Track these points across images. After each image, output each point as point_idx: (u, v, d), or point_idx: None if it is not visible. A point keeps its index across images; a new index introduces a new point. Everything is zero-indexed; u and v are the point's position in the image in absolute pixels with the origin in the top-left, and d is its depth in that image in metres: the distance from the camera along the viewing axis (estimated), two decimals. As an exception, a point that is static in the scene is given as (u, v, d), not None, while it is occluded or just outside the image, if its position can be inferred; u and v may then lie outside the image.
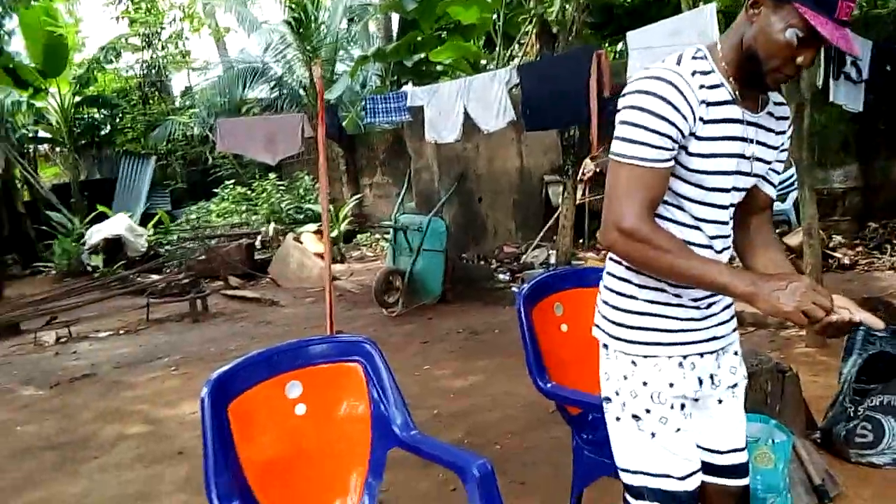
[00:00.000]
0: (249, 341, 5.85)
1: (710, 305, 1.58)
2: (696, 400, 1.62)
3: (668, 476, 1.58)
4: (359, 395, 2.06)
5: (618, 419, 1.62)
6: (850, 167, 6.71)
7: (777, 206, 6.59)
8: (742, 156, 1.49)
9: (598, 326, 1.67)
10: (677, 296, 1.55)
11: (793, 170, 6.64)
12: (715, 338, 1.60)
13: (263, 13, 20.41)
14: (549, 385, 2.34)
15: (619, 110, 1.47)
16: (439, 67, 9.94)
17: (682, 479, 1.58)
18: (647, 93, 1.41)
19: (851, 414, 2.86)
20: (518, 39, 9.54)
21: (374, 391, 2.05)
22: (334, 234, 9.89)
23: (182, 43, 16.65)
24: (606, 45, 8.20)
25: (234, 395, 1.85)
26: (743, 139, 1.48)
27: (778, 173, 1.64)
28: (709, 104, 1.43)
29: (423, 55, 9.58)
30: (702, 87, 1.43)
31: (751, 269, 1.62)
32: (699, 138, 1.44)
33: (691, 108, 1.41)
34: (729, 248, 1.60)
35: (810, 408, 3.12)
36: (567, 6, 6.59)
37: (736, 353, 1.69)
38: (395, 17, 11.72)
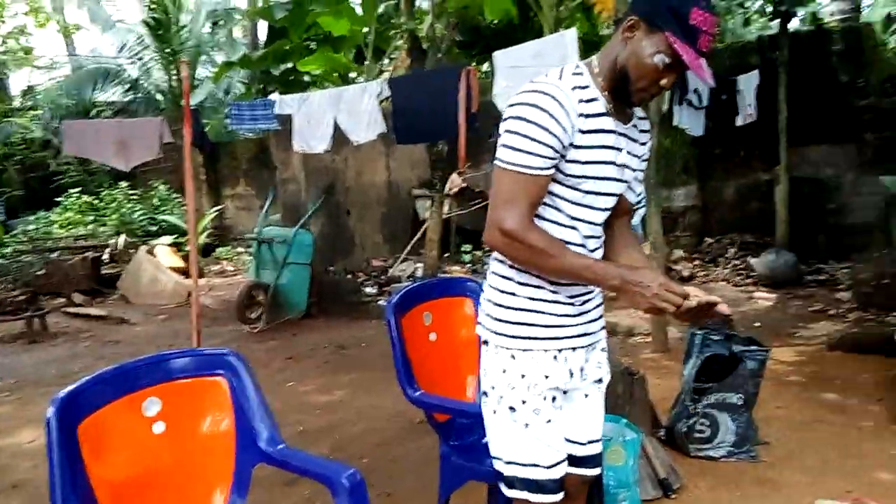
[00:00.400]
0: (95, 362, 5.44)
1: (584, 303, 1.71)
2: (566, 392, 1.75)
3: (536, 465, 1.69)
4: (223, 409, 1.99)
5: (494, 412, 1.73)
6: (690, 187, 7.32)
7: (627, 221, 7.09)
8: (614, 163, 1.63)
9: (480, 324, 1.77)
10: (555, 293, 1.67)
11: (642, 187, 7.18)
12: (586, 333, 1.73)
13: (119, 12, 19.15)
14: (417, 393, 2.37)
15: (504, 119, 1.57)
16: (307, 77, 9.82)
17: (550, 468, 1.70)
18: (532, 105, 1.52)
19: (691, 412, 3.12)
20: (389, 54, 9.64)
21: (238, 405, 1.99)
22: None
23: (25, 39, 15.34)
24: (474, 63, 8.46)
25: (85, 413, 1.73)
26: (615, 148, 1.62)
27: (640, 182, 1.80)
28: (586, 116, 1.56)
29: (291, 64, 9.43)
30: (580, 101, 1.56)
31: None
32: (577, 147, 1.57)
33: (571, 120, 1.53)
34: (601, 248, 1.74)
35: (655, 408, 3.37)
36: (437, 24, 6.75)
37: (603, 350, 1.84)
38: (263, 24, 11.46)
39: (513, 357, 1.69)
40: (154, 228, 9.63)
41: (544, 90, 1.53)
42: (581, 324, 1.72)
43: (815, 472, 2.95)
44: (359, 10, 8.24)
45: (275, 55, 9.08)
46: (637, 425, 2.85)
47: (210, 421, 1.97)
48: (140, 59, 12.33)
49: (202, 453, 1.93)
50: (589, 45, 7.98)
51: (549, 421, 1.69)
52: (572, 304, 1.69)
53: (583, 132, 1.56)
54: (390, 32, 8.75)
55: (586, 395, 1.81)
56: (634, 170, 1.72)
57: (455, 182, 7.56)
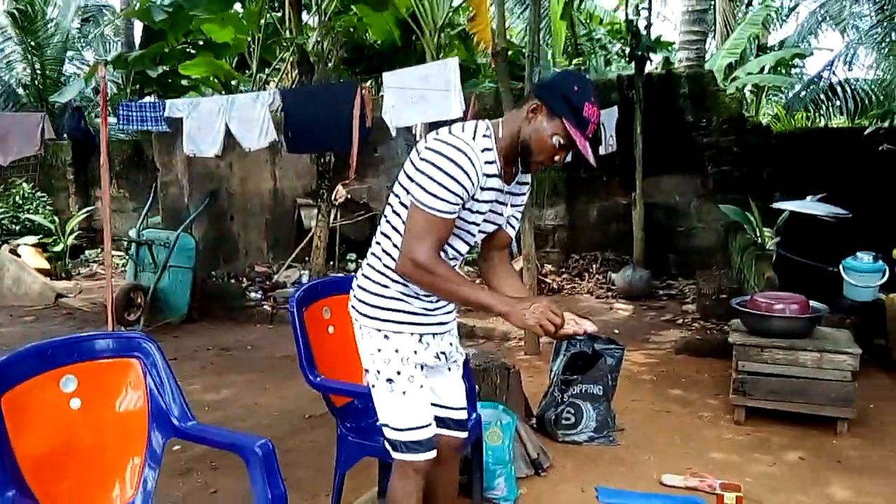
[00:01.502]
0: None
1: (438, 300, 2.05)
2: (433, 368, 2.10)
3: (415, 428, 2.00)
4: (136, 389, 2.11)
5: (374, 385, 2.05)
6: (559, 207, 7.91)
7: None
8: (494, 212, 1.99)
9: (354, 309, 2.07)
10: (417, 293, 2.01)
11: (518, 225, 7.67)
12: (442, 323, 2.10)
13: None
14: (318, 378, 2.57)
15: (421, 160, 1.84)
16: (186, 82, 9.64)
17: (425, 427, 2.02)
18: (450, 160, 1.80)
19: (559, 401, 3.49)
20: (275, 65, 9.67)
21: (151, 385, 2.12)
22: (59, 248, 9.02)
23: None
24: (359, 79, 8.70)
25: (7, 387, 1.81)
26: (499, 202, 1.99)
27: (518, 220, 2.14)
28: (487, 176, 1.89)
29: (168, 67, 9.26)
30: (485, 163, 1.88)
31: (497, 291, 2.08)
32: (474, 199, 1.90)
33: (477, 177, 1.85)
34: (459, 264, 2.11)
35: (528, 400, 3.74)
36: (324, 41, 6.95)
37: (455, 336, 2.22)
38: (138, 24, 11.10)
39: (386, 337, 2.02)
40: (16, 228, 9.06)
41: (462, 149, 1.81)
42: (438, 314, 2.07)
43: (662, 453, 3.40)
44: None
45: (152, 57, 8.89)
46: (512, 412, 3.19)
47: (124, 399, 2.09)
48: (1, 51, 11.57)
49: (117, 428, 2.04)
50: (467, 72, 8.45)
51: (422, 387, 2.03)
52: (430, 301, 2.04)
53: (482, 189, 1.90)
54: (275, 44, 8.81)
55: (448, 369, 2.18)
56: (510, 214, 2.08)
57: (340, 193, 7.76)
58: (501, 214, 2.04)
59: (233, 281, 6.86)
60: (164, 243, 6.31)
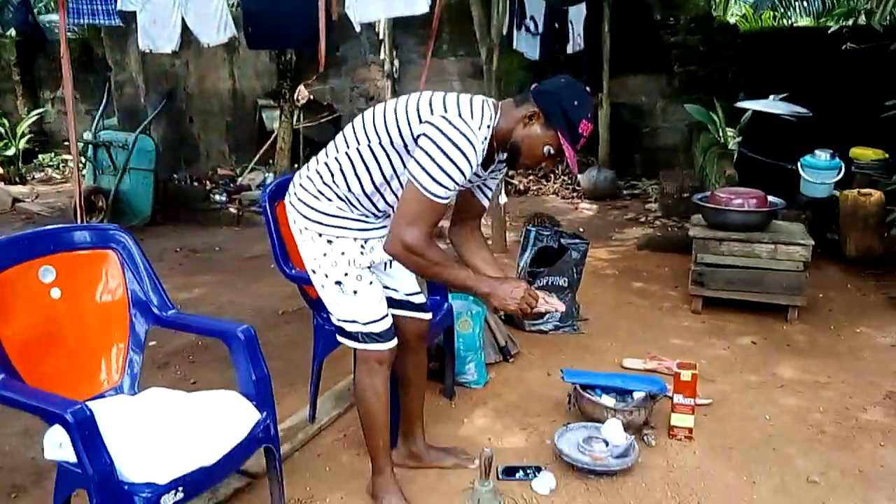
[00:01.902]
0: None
1: (379, 217, 2.10)
2: (381, 262, 2.14)
3: (373, 321, 2.07)
4: (115, 279, 2.13)
5: (323, 286, 2.08)
6: (526, 108, 7.85)
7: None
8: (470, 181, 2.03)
9: (296, 211, 2.07)
10: (363, 215, 2.06)
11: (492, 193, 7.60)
12: (384, 228, 2.11)
13: None
14: (293, 270, 2.61)
15: (426, 137, 1.83)
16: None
17: (382, 318, 2.09)
18: (458, 147, 1.80)
19: (527, 293, 3.61)
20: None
21: (130, 276, 2.15)
22: (11, 152, 8.71)
23: None
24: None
25: (-14, 275, 1.83)
26: (472, 182, 2.06)
27: (492, 189, 2.19)
28: (479, 162, 1.91)
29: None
30: (483, 149, 1.88)
31: (469, 265, 2.16)
32: None
33: (476, 163, 1.87)
34: None
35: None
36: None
37: None
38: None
39: (329, 241, 2.04)
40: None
41: (469, 137, 1.82)
42: (379, 226, 2.11)
43: (623, 340, 3.58)
44: None
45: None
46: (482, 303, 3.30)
47: (103, 289, 2.12)
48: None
49: (99, 317, 2.08)
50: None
51: (371, 283, 2.08)
52: (371, 218, 2.08)
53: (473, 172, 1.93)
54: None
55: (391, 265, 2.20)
56: (487, 185, 2.16)
57: (303, 93, 7.57)
58: (474, 189, 2.12)
59: (196, 184, 6.76)
60: (123, 145, 6.16)
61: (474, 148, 1.83)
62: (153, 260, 5.43)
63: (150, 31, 4.64)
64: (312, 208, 2.03)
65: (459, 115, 1.85)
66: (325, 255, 2.04)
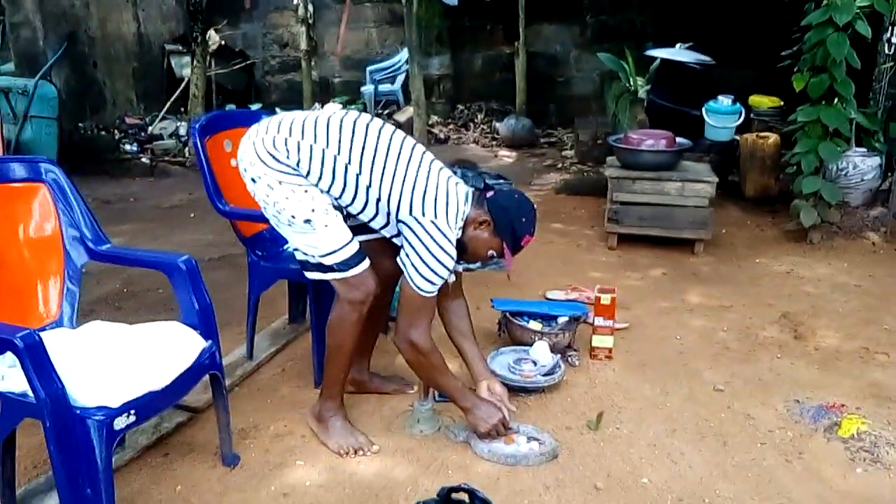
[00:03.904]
0: None
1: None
2: None
3: (343, 247, 2.12)
4: (48, 213, 2.10)
5: (290, 227, 2.11)
6: (444, 56, 7.88)
7: (388, 87, 7.48)
8: None
9: (253, 159, 2.07)
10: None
11: (399, 55, 7.56)
12: None
13: None
14: (227, 207, 2.62)
15: (417, 238, 2.03)
16: None
17: (349, 242, 2.14)
18: (444, 251, 2.04)
19: (454, 231, 3.73)
20: None
21: (63, 210, 2.11)
22: None
23: None
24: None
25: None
26: None
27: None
28: None
29: None
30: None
31: (453, 341, 2.44)
32: None
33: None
34: None
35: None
36: None
37: None
38: None
39: (294, 188, 2.06)
40: None
41: (451, 240, 2.07)
42: None
43: (545, 274, 3.76)
44: None
45: None
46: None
47: (36, 223, 2.08)
48: None
49: (33, 251, 2.06)
50: None
51: (337, 216, 2.13)
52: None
53: None
54: None
55: None
56: None
57: (214, 39, 7.31)
58: None
59: (103, 133, 6.46)
60: (22, 91, 5.80)
61: (454, 247, 2.08)
62: (64, 210, 5.21)
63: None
64: (279, 162, 2.05)
65: (447, 222, 2.06)
66: (287, 198, 2.05)
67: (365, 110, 7.76)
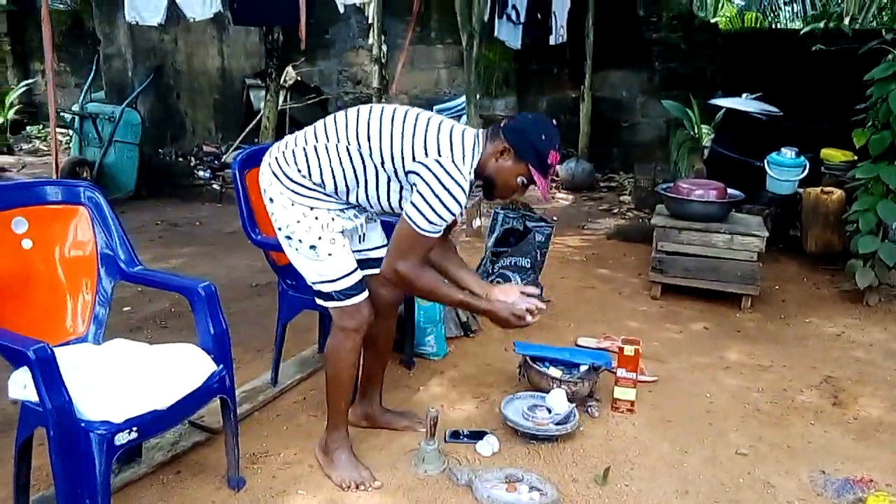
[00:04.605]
0: None
1: (350, 206, 2.23)
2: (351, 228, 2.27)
3: (344, 276, 2.18)
4: (85, 234, 2.24)
5: (297, 250, 2.18)
6: (510, 98, 7.96)
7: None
8: None
9: (275, 177, 2.16)
10: (333, 197, 2.17)
11: (462, 98, 7.70)
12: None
13: None
14: (259, 236, 2.73)
15: (421, 179, 1.99)
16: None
17: (354, 271, 2.20)
18: (450, 193, 1.98)
19: (489, 272, 3.75)
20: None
21: (99, 232, 2.26)
22: (-1, 122, 8.76)
23: None
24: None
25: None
26: None
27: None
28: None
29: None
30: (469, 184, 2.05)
31: (451, 277, 2.32)
32: None
33: (466, 201, 2.05)
34: None
35: (463, 273, 3.98)
36: None
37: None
38: None
39: (304, 214, 2.13)
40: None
41: (461, 183, 2.00)
42: (355, 206, 2.24)
43: (581, 321, 3.72)
44: None
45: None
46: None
47: (73, 243, 2.23)
48: None
49: (68, 269, 2.20)
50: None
51: (344, 246, 2.19)
52: (343, 205, 2.21)
53: None
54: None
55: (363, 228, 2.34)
56: None
57: (290, 74, 7.65)
58: None
59: (181, 159, 6.84)
60: (109, 117, 6.23)
61: (464, 190, 2.01)
62: (133, 231, 5.56)
63: (137, 2, 4.71)
64: (290, 179, 2.13)
65: (452, 161, 2.02)
66: (298, 221, 2.13)
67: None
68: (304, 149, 2.14)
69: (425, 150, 2.02)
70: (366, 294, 2.22)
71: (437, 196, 1.98)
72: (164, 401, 1.90)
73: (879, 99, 3.71)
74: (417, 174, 2.01)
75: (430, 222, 2.00)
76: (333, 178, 2.12)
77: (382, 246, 2.37)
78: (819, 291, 4.27)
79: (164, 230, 5.52)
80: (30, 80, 9.70)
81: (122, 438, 1.79)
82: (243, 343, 3.37)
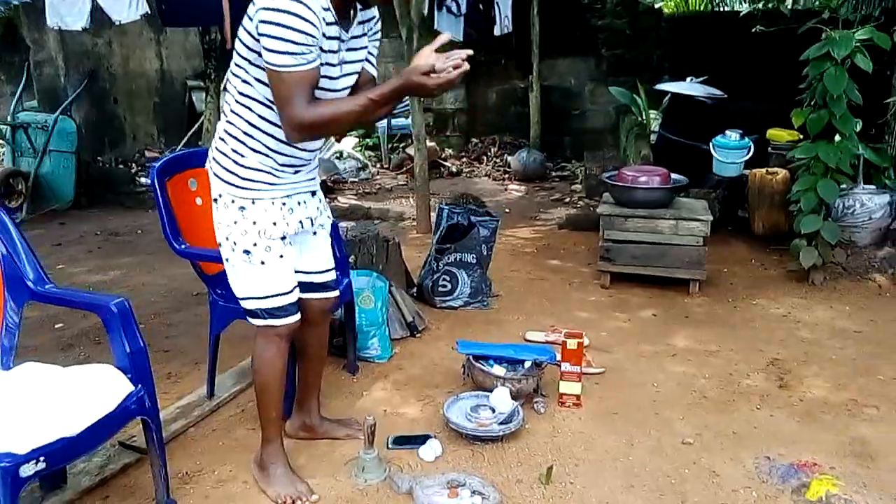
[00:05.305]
0: None
1: (298, 172, 2.08)
2: (296, 234, 2.13)
3: (275, 295, 2.07)
4: (-14, 253, 2.10)
5: (229, 258, 2.07)
6: (458, 91, 7.87)
7: (401, 121, 7.51)
8: (333, 64, 1.92)
9: (216, 176, 2.04)
10: (281, 165, 2.02)
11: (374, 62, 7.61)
12: (306, 191, 2.14)
13: None
14: (182, 246, 2.61)
15: (260, 23, 1.76)
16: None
17: (287, 294, 2.09)
18: (286, 12, 1.73)
19: (435, 269, 3.68)
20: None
21: (2, 250, 2.12)
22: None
23: None
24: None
25: None
26: (336, 51, 1.92)
27: (374, 55, 2.11)
28: (327, 24, 1.84)
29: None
30: (323, 9, 1.81)
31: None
32: (322, 51, 1.85)
33: (319, 20, 1.79)
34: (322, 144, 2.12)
35: (411, 272, 3.90)
36: None
37: (321, 200, 2.25)
38: None
39: (242, 209, 2.01)
40: None
41: (294, 9, 1.73)
42: (300, 181, 2.10)
43: (530, 314, 3.67)
44: None
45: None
46: (392, 282, 3.35)
47: (-26, 263, 2.08)
48: None
49: (-32, 292, 2.05)
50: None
51: (282, 256, 2.06)
52: (291, 170, 2.05)
53: (325, 37, 1.85)
54: None
55: (314, 234, 2.24)
56: (361, 59, 2.03)
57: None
58: (345, 62, 1.98)
59: (121, 166, 6.63)
60: (42, 126, 6.00)
61: (304, 3, 1.75)
62: (72, 243, 5.37)
63: (59, 7, 4.50)
64: (229, 171, 1.99)
65: None
66: (235, 222, 2.01)
67: (379, 143, 7.81)
68: (228, 120, 2.00)
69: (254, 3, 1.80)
70: (296, 318, 2.13)
71: (274, 23, 1.74)
72: (75, 427, 1.79)
73: (815, 78, 3.72)
74: (259, 20, 1.77)
75: (281, 52, 1.76)
76: (259, 117, 1.94)
77: (328, 270, 2.28)
78: (767, 272, 4.29)
79: (103, 240, 5.33)
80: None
81: (27, 470, 1.68)
82: (182, 355, 3.26)
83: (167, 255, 4.91)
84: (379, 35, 2.11)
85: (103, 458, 2.37)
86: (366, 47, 2.05)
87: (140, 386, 2.00)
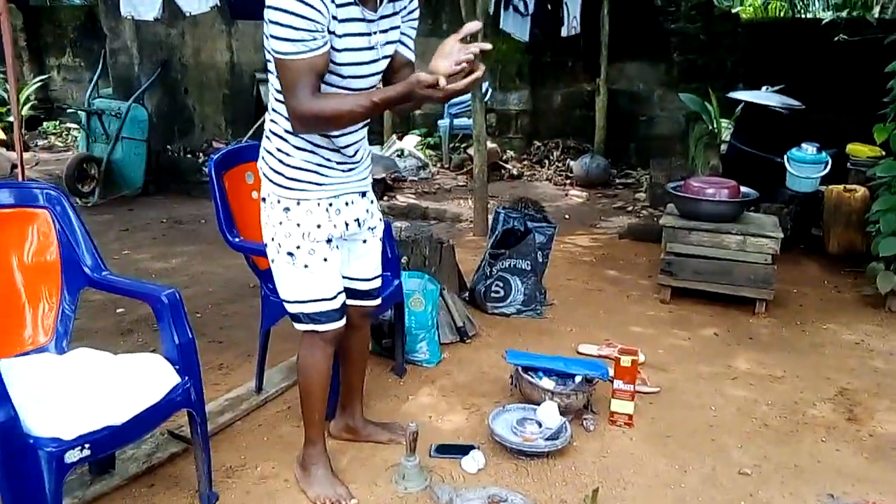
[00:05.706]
0: None
1: (351, 168, 2.03)
2: (343, 239, 2.09)
3: (319, 300, 2.04)
4: (46, 239, 2.15)
5: (274, 260, 2.05)
6: (523, 92, 7.79)
7: (463, 121, 7.46)
8: (368, 48, 1.86)
9: (264, 175, 2.03)
10: (328, 160, 1.97)
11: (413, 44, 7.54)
12: (357, 192, 2.08)
13: None
14: (236, 239, 2.62)
15: (266, 8, 1.71)
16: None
17: (331, 299, 2.06)
18: None
19: (488, 275, 3.61)
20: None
21: (62, 236, 2.16)
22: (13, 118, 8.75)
23: None
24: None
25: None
26: (366, 34, 1.85)
27: (412, 39, 2.03)
28: (338, 6, 1.76)
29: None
30: None
31: None
32: (334, 35, 1.78)
33: (325, 6, 1.71)
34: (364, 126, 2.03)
35: (464, 275, 3.85)
36: None
37: (372, 201, 2.19)
38: None
39: (287, 210, 1.98)
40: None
41: None
42: (351, 181, 2.05)
43: (584, 326, 3.57)
44: None
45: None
46: (444, 285, 3.30)
47: (35, 249, 2.13)
48: None
49: (27, 276, 2.09)
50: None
51: (326, 259, 2.02)
52: (341, 167, 2.00)
53: (338, 20, 1.77)
54: None
55: (364, 241, 2.19)
56: (396, 39, 1.94)
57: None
58: (386, 44, 1.91)
59: (189, 156, 6.77)
60: (116, 113, 6.18)
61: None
62: (138, 229, 5.50)
63: (132, -4, 4.62)
64: (275, 171, 1.97)
65: None
66: (280, 223, 1.99)
67: (440, 143, 7.78)
68: (272, 119, 1.96)
69: None
70: (340, 324, 2.09)
71: (277, 9, 1.68)
72: (121, 416, 1.80)
73: (902, 92, 3.49)
74: (265, 10, 1.73)
75: (283, 39, 1.70)
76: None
77: (374, 278, 2.25)
78: (840, 295, 4.06)
79: (168, 228, 5.46)
80: (44, 76, 9.73)
81: (73, 456, 1.69)
82: (235, 346, 3.29)
83: (226, 245, 5.04)
84: (416, 15, 2.01)
85: (152, 445, 2.40)
86: (397, 27, 1.95)
87: (187, 378, 2.00)
